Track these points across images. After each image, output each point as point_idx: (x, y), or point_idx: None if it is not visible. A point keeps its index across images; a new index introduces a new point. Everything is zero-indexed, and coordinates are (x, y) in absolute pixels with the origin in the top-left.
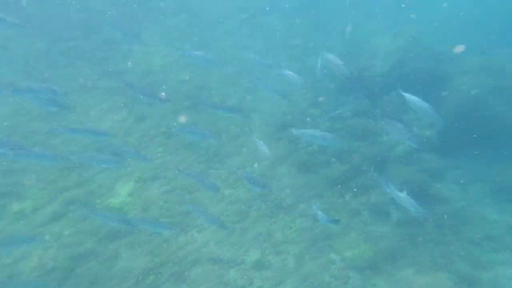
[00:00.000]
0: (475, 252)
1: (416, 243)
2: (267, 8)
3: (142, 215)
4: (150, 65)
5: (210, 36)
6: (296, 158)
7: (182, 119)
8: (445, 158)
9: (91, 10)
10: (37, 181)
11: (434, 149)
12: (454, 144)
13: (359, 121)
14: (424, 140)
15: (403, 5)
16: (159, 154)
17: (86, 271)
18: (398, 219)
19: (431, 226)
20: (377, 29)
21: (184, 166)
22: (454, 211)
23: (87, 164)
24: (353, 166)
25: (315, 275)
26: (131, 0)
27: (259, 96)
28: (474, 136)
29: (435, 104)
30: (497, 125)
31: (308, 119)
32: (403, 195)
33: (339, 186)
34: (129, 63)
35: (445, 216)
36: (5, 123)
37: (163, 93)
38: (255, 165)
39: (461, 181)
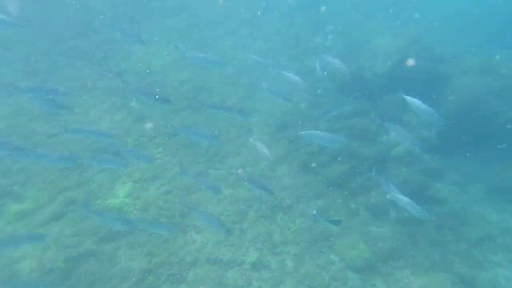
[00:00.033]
0: (474, 253)
1: (415, 243)
2: (267, 8)
3: (141, 215)
4: (150, 65)
5: (210, 36)
6: (296, 158)
7: (183, 119)
8: (444, 158)
9: (91, 10)
10: (37, 181)
11: (434, 149)
12: (453, 144)
13: (359, 121)
14: (424, 141)
15: (398, 7)
16: (159, 154)
17: (86, 271)
18: (398, 219)
19: (430, 227)
20: (377, 29)
21: (184, 166)
22: (453, 211)
23: (93, 165)
24: (353, 166)
25: (314, 275)
26: (131, 0)
27: (259, 96)
28: (474, 136)
29: (434, 104)
30: (496, 125)
31: (308, 119)
32: (405, 198)
33: (339, 186)
34: (129, 63)
35: (445, 216)
36: (5, 123)
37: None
38: (257, 166)
39: (461, 181)
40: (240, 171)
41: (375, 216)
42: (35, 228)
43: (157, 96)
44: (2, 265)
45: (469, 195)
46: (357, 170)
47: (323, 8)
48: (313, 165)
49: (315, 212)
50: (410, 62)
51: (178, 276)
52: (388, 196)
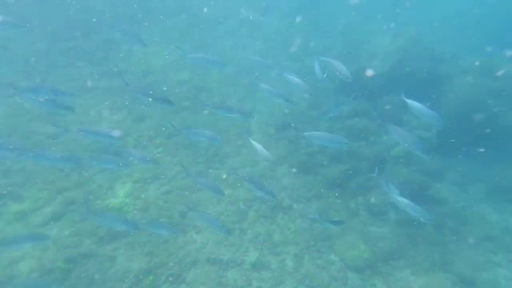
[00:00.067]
0: (473, 253)
1: (415, 243)
2: (267, 8)
3: (141, 215)
4: (150, 65)
5: (210, 36)
6: (295, 158)
7: (183, 119)
8: (444, 158)
9: (91, 10)
10: (37, 181)
11: (433, 149)
12: (453, 144)
13: (359, 121)
14: (424, 141)
15: (397, 10)
16: (159, 155)
17: (86, 271)
18: (397, 219)
19: (430, 227)
20: (377, 29)
21: (187, 167)
22: (453, 211)
23: (95, 165)
24: (352, 166)
25: (314, 275)
26: (131, 0)
27: (259, 96)
28: (474, 136)
29: (434, 104)
30: (496, 125)
31: (308, 119)
32: (406, 201)
33: (339, 186)
34: (129, 63)
35: (445, 216)
36: (5, 123)
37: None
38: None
39: (461, 181)
40: (240, 173)
41: (375, 216)
42: (35, 228)
43: (156, 96)
44: (2, 265)
45: (469, 195)
46: (351, 172)
47: (323, 8)
48: (313, 165)
49: (311, 216)
50: (369, 72)
51: (178, 276)
52: (390, 200)
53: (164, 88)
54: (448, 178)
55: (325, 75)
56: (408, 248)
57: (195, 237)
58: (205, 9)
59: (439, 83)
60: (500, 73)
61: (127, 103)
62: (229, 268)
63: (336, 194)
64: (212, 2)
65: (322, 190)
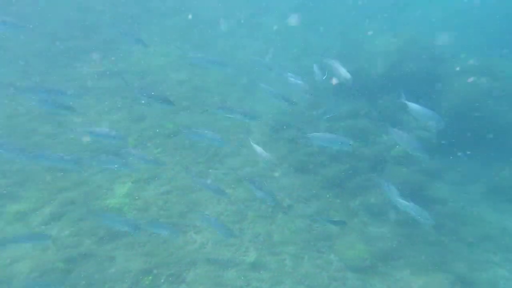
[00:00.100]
0: (472, 253)
1: (414, 243)
2: (267, 9)
3: (141, 215)
4: (150, 65)
5: (210, 36)
6: (295, 158)
7: (182, 119)
8: (444, 158)
9: (91, 10)
10: (36, 181)
11: (433, 149)
12: (453, 144)
13: (359, 121)
14: (424, 141)
15: (397, 10)
16: (158, 155)
17: (85, 271)
18: (397, 219)
19: (429, 227)
20: (377, 29)
21: (188, 168)
22: (453, 211)
23: (102, 166)
24: (352, 166)
25: (313, 276)
26: (131, 0)
27: (258, 96)
28: (474, 136)
29: (434, 104)
30: (496, 125)
31: (308, 119)
32: (409, 203)
33: (338, 186)
34: (129, 63)
35: (444, 216)
36: (5, 123)
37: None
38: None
39: (460, 181)
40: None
41: (374, 216)
42: (34, 229)
43: (156, 96)
44: (1, 265)
45: (469, 195)
46: (350, 172)
47: (323, 8)
48: (312, 165)
49: (317, 219)
50: (334, 80)
51: (178, 276)
52: (393, 203)
53: (164, 88)
54: (448, 178)
55: (325, 77)
56: (408, 248)
57: (194, 237)
58: (204, 9)
59: (439, 83)
60: (470, 79)
61: (127, 103)
62: (228, 268)
63: (336, 194)
64: (212, 2)
65: (322, 190)
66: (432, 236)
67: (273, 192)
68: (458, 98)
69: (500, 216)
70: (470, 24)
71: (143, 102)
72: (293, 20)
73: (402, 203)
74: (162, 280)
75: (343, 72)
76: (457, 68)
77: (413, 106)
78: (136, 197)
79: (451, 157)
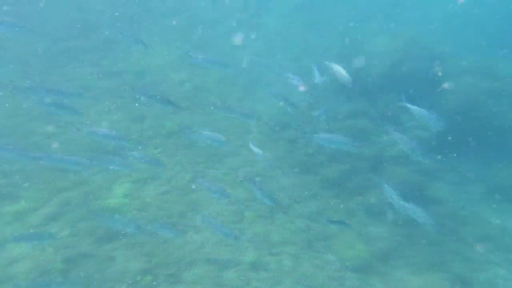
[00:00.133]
0: (471, 253)
1: (412, 243)
2: (267, 9)
3: (140, 215)
4: (150, 65)
5: (210, 36)
6: (294, 158)
7: (182, 119)
8: (444, 158)
9: (91, 10)
10: (35, 181)
11: (432, 149)
12: (452, 144)
13: (358, 121)
14: (423, 141)
15: (397, 10)
16: (158, 155)
17: (84, 271)
18: (396, 219)
19: (429, 226)
20: (377, 29)
21: (179, 167)
22: (452, 211)
23: (104, 166)
24: (351, 166)
25: (312, 275)
26: (131, 0)
27: (258, 96)
28: (473, 136)
29: (434, 104)
30: (496, 125)
31: (307, 120)
32: (411, 206)
33: (337, 186)
34: (128, 63)
35: (443, 216)
36: (4, 123)
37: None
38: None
39: (460, 181)
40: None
41: (373, 216)
42: (33, 229)
43: (160, 98)
44: (0, 265)
45: (468, 195)
46: (349, 172)
47: (323, 8)
48: (311, 165)
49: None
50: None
51: (176, 276)
52: (397, 207)
53: (164, 88)
54: (448, 178)
55: (324, 79)
56: (407, 247)
57: (194, 237)
58: (204, 9)
59: (438, 83)
60: (445, 85)
61: (127, 103)
62: (227, 268)
63: (335, 194)
64: (212, 2)
65: (321, 190)
66: (431, 235)
67: (273, 195)
68: (458, 98)
69: (500, 216)
70: (470, 24)
71: (143, 101)
72: (237, 38)
73: (403, 205)
74: (161, 280)
75: (344, 74)
76: (457, 68)
77: (414, 108)
78: (136, 197)
79: (451, 157)
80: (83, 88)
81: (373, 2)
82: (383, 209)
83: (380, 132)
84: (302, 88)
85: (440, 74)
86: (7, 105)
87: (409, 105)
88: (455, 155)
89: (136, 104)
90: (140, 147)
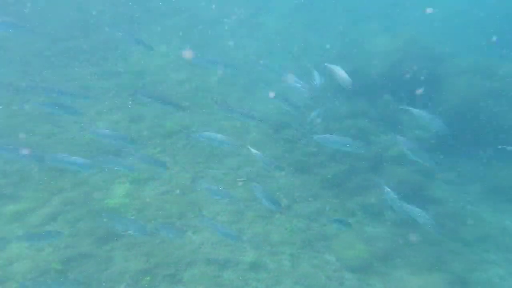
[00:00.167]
0: (470, 253)
1: (411, 243)
2: (267, 9)
3: (139, 215)
4: (150, 65)
5: (210, 36)
6: (293, 158)
7: (181, 119)
8: (444, 158)
9: (91, 10)
10: (33, 182)
11: (431, 149)
12: (451, 144)
13: (358, 121)
14: (423, 142)
15: (397, 10)
16: (158, 155)
17: (82, 272)
18: (394, 219)
19: (428, 226)
20: (377, 29)
21: (179, 167)
22: (452, 212)
23: (106, 167)
24: (350, 166)
25: (311, 275)
26: (131, 0)
27: (258, 96)
28: (473, 136)
29: (434, 104)
30: (496, 125)
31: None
32: (416, 209)
33: (336, 186)
34: (128, 62)
35: (443, 216)
36: (5, 123)
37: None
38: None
39: (459, 181)
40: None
41: (372, 216)
42: (32, 229)
43: (167, 99)
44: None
45: (468, 195)
46: (348, 172)
47: (323, 8)
48: (310, 165)
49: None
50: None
51: (175, 276)
52: (401, 209)
53: (164, 88)
54: (448, 178)
55: (323, 81)
56: (406, 247)
57: (192, 238)
58: (204, 9)
59: (438, 83)
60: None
61: (126, 103)
62: (226, 268)
63: (334, 194)
64: (212, 2)
65: (321, 190)
66: (429, 236)
67: (279, 202)
68: (458, 98)
69: (499, 216)
70: (470, 24)
71: (143, 102)
72: (186, 53)
73: (405, 208)
74: (159, 280)
75: (344, 77)
76: (457, 68)
77: (415, 111)
78: (135, 197)
79: (451, 157)
80: (83, 88)
81: (373, 2)
82: (383, 209)
83: (379, 132)
84: (305, 91)
85: (440, 74)
86: (7, 104)
87: (411, 108)
88: (455, 155)
89: (137, 104)
90: (140, 147)
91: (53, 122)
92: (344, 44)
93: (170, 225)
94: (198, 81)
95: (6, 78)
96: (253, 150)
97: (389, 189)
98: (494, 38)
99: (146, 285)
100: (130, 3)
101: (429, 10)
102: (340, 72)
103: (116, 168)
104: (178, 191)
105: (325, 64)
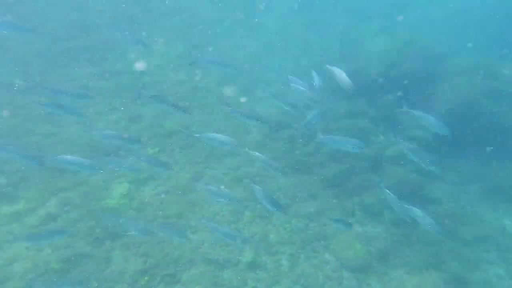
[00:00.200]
0: (469, 252)
1: (409, 243)
2: (267, 9)
3: (137, 215)
4: (150, 65)
5: (210, 36)
6: (293, 158)
7: (181, 119)
8: (443, 158)
9: (91, 10)
10: (32, 182)
11: (430, 149)
12: (452, 144)
13: (358, 121)
14: (421, 141)
15: (397, 10)
16: (156, 155)
17: (81, 272)
18: (393, 219)
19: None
20: (377, 29)
21: (179, 167)
22: (452, 212)
23: (109, 168)
24: (349, 166)
25: (310, 275)
26: (131, 0)
27: (258, 96)
28: (473, 136)
29: (433, 104)
30: (495, 125)
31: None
32: (421, 212)
33: (336, 186)
34: (128, 62)
35: (441, 216)
36: (4, 123)
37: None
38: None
39: (459, 181)
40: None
41: (370, 216)
42: (31, 229)
43: (172, 102)
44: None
45: (468, 195)
46: (347, 172)
47: (323, 8)
48: (310, 165)
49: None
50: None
51: (174, 276)
52: (406, 212)
53: (164, 88)
54: (448, 178)
55: (322, 82)
56: (404, 247)
57: (191, 237)
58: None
59: (438, 83)
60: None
61: (126, 103)
62: (225, 268)
63: (334, 194)
64: (211, 2)
65: (320, 190)
66: (427, 235)
67: (280, 203)
68: (458, 98)
69: (498, 216)
70: (470, 24)
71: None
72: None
73: (407, 210)
74: (157, 280)
75: (345, 79)
76: (457, 68)
77: (416, 113)
78: (135, 197)
79: (451, 157)
80: (83, 88)
81: (373, 2)
82: (382, 209)
83: (378, 132)
84: (306, 92)
85: (440, 74)
86: (6, 104)
87: (412, 111)
88: (454, 155)
89: (136, 104)
90: (140, 147)
91: (53, 122)
92: (344, 44)
93: (171, 225)
94: (198, 81)
95: (6, 78)
96: (256, 154)
97: (389, 192)
98: (505, 51)
99: (145, 285)
100: (130, 3)
101: (399, 18)
102: (341, 75)
103: (117, 169)
104: (177, 191)
105: (326, 66)
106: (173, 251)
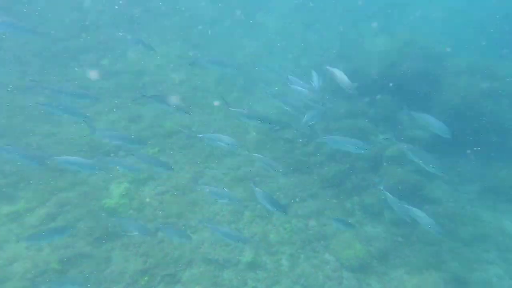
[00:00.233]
0: (469, 252)
1: (409, 243)
2: (267, 9)
3: (137, 215)
4: (149, 65)
5: (210, 36)
6: (292, 157)
7: (181, 119)
8: (440, 158)
9: (91, 10)
10: (31, 182)
11: (430, 149)
12: (451, 144)
13: (357, 121)
14: (420, 141)
15: (397, 10)
16: (156, 155)
17: (81, 272)
18: (392, 219)
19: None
20: (377, 29)
21: (178, 167)
22: (451, 212)
23: (110, 167)
24: (349, 166)
25: (310, 275)
26: (131, 0)
27: (257, 96)
28: (472, 136)
29: (433, 104)
30: (496, 125)
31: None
32: (421, 213)
33: (335, 186)
34: (127, 62)
35: (440, 216)
36: (5, 123)
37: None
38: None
39: (458, 181)
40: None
41: (370, 216)
42: (30, 229)
43: (174, 102)
44: None
45: (468, 195)
46: (347, 172)
47: (322, 8)
48: (309, 165)
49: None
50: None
51: (173, 276)
52: (408, 213)
53: (164, 88)
54: (447, 178)
55: (321, 82)
56: (403, 247)
57: (191, 237)
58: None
59: (438, 83)
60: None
61: (125, 103)
62: (225, 268)
63: (333, 193)
64: (211, 2)
65: (320, 190)
66: (427, 235)
67: (283, 205)
68: (458, 98)
69: (497, 215)
70: (470, 24)
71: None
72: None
73: (407, 211)
74: (157, 280)
75: (346, 81)
76: (456, 68)
77: (418, 115)
78: (134, 197)
79: (450, 157)
80: (83, 88)
81: (373, 2)
82: (382, 209)
83: (377, 132)
84: (306, 92)
85: (440, 74)
86: (6, 104)
87: (413, 113)
88: (454, 155)
89: (136, 104)
90: (139, 148)
91: (53, 122)
92: (344, 44)
93: (172, 225)
94: (197, 81)
95: (6, 78)
96: (258, 155)
97: (388, 194)
98: (505, 51)
99: (144, 285)
100: (130, 3)
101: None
102: (342, 76)
103: (118, 168)
104: (177, 191)
105: (326, 66)
106: (173, 251)
